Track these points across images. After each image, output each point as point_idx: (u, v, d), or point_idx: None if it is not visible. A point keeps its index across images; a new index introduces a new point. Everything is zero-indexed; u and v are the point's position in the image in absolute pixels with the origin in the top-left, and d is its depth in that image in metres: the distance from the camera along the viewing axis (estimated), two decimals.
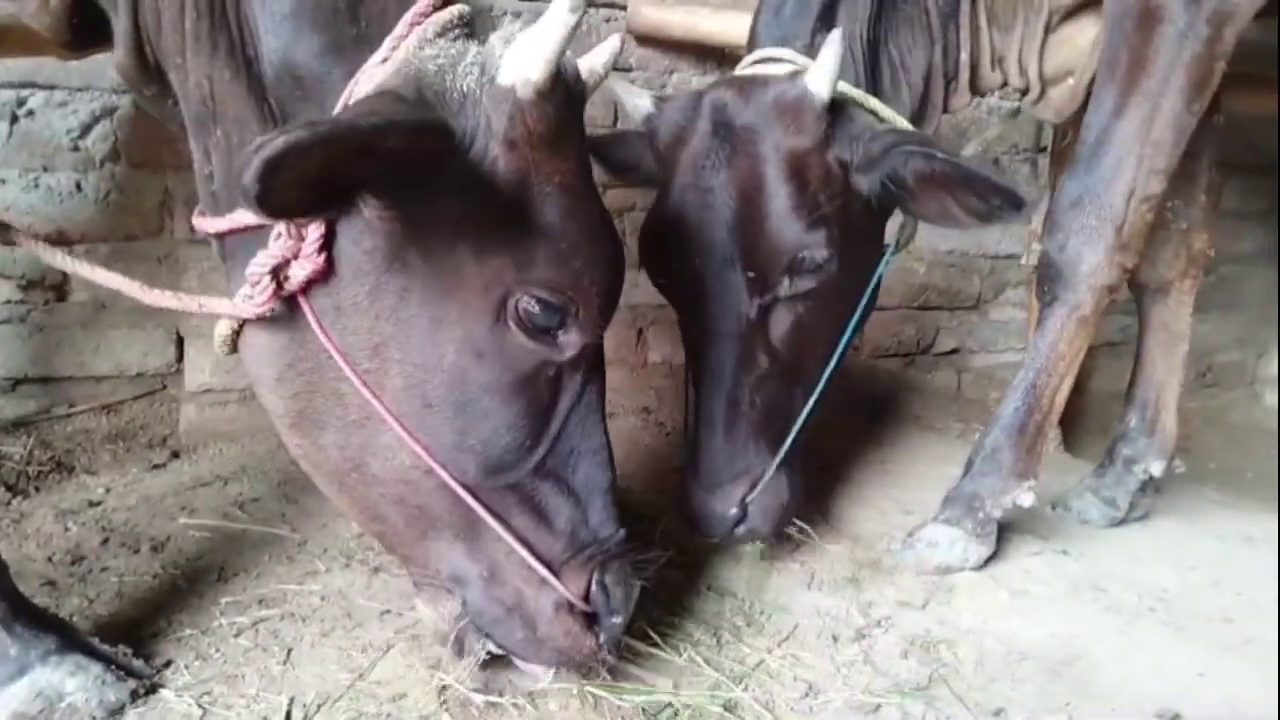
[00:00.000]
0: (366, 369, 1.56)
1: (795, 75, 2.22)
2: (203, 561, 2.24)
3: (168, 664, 1.83)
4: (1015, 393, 2.44)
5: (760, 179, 2.17)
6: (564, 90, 1.50)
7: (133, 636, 1.90)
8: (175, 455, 2.87)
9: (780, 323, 2.23)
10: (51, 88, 2.82)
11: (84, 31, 1.75)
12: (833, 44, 2.10)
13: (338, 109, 1.51)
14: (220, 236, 1.64)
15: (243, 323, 1.61)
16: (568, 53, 1.50)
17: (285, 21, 1.55)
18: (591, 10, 3.35)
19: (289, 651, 1.90)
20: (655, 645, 1.97)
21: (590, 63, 1.70)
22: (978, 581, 2.35)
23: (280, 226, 1.50)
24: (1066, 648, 2.09)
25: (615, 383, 3.44)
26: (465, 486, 1.60)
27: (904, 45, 2.53)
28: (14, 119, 2.82)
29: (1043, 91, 2.71)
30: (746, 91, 2.24)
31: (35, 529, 2.34)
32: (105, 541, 2.30)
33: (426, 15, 1.56)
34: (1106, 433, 2.99)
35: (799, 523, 2.46)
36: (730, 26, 3.11)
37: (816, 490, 2.89)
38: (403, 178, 1.42)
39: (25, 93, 2.79)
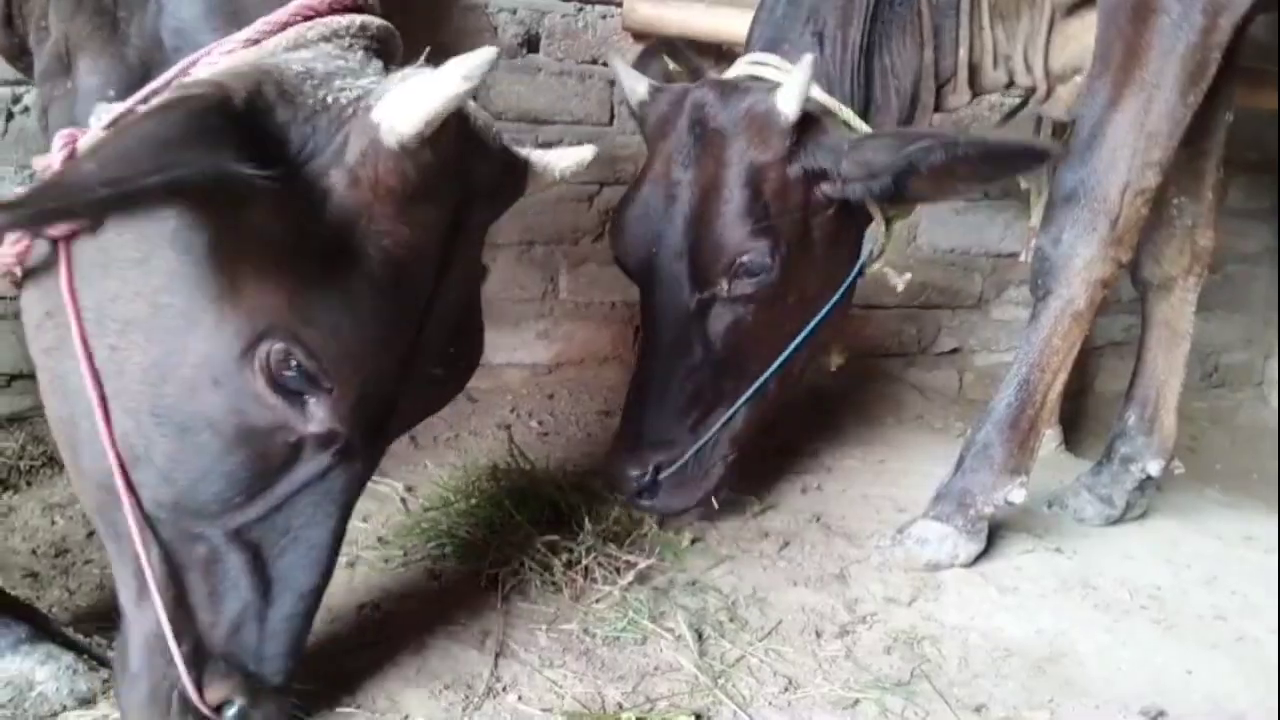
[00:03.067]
0: (112, 345, 1.35)
1: (773, 88, 2.26)
2: None
3: None
4: (1007, 388, 2.41)
5: (718, 182, 2.27)
6: (439, 156, 1.33)
7: (112, 627, 1.91)
8: None
9: (718, 320, 2.33)
10: None
11: None
12: (804, 67, 2.17)
13: (171, 71, 1.35)
14: None
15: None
16: (479, 117, 1.44)
17: None
18: (588, 7, 3.35)
19: None
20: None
21: (553, 159, 1.61)
22: (966, 578, 2.33)
23: (44, 159, 1.33)
24: (1052, 644, 2.07)
25: (610, 380, 3.45)
26: (149, 520, 1.39)
27: (895, 50, 2.52)
28: (9, 116, 2.83)
29: (1050, 89, 2.69)
30: (726, 96, 2.32)
31: (22, 522, 2.34)
32: (90, 534, 2.29)
33: (319, 13, 1.42)
34: (1109, 433, 2.96)
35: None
36: (725, 23, 3.10)
37: (811, 488, 2.88)
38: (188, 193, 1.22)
39: (20, 89, 2.80)
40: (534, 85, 3.31)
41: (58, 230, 1.33)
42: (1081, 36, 2.57)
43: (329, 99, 1.32)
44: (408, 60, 1.47)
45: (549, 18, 3.31)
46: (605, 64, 3.38)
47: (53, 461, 2.68)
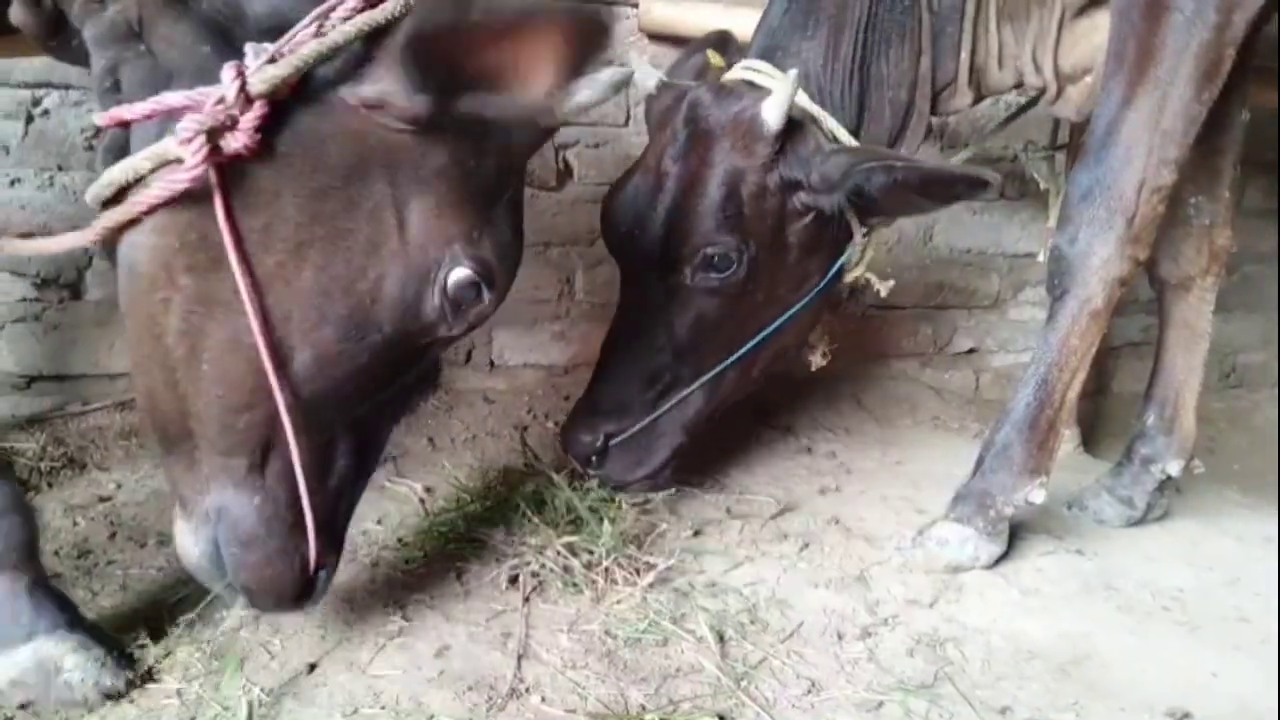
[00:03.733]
0: (278, 259, 1.49)
1: (763, 96, 2.35)
2: None
3: (168, 655, 1.83)
4: (1025, 388, 2.40)
5: (700, 178, 2.38)
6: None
7: (134, 628, 1.92)
8: None
9: (681, 307, 2.46)
10: (66, 87, 2.85)
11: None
12: (790, 81, 2.27)
13: (305, 23, 1.45)
14: (125, 124, 1.50)
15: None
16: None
17: None
18: (604, 8, 3.34)
19: (292, 645, 1.90)
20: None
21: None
22: (988, 580, 2.32)
23: (214, 90, 1.41)
24: (1076, 647, 2.05)
25: None
26: (288, 408, 1.54)
27: (893, 60, 2.53)
28: (29, 119, 2.85)
29: (1060, 90, 2.68)
30: (720, 99, 2.43)
31: (45, 523, 2.34)
32: (113, 536, 2.31)
33: None
34: (1128, 434, 2.94)
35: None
36: (742, 22, 3.09)
37: (829, 489, 2.87)
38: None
39: (40, 92, 2.82)
40: None
41: (226, 153, 1.41)
42: (1091, 36, 2.56)
43: None
44: None
45: None
46: (622, 65, 3.37)
47: (73, 463, 2.71)
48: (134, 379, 1.64)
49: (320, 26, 1.46)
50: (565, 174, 3.41)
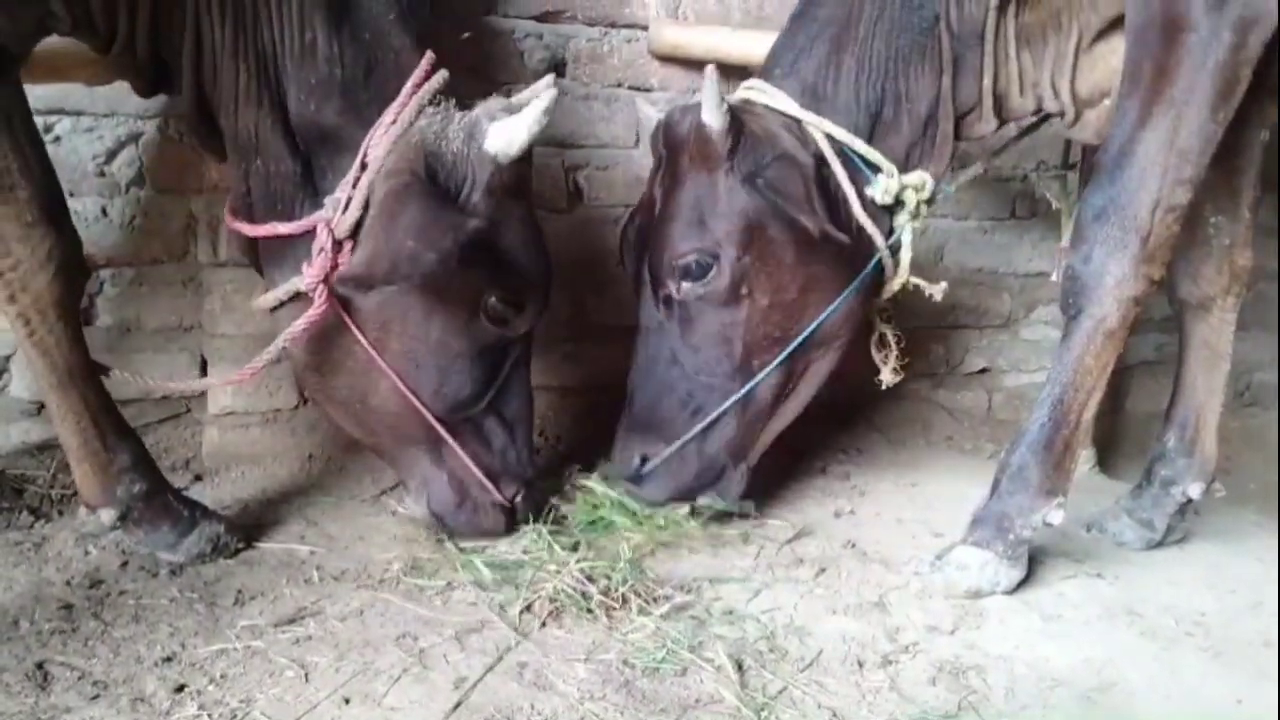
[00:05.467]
0: (375, 336, 2.27)
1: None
2: (220, 585, 2.22)
3: (181, 688, 1.81)
4: (1041, 408, 2.37)
5: (670, 194, 2.53)
6: (527, 154, 2.22)
7: (147, 660, 1.90)
8: (198, 478, 2.87)
9: (682, 322, 2.56)
10: (78, 113, 2.84)
11: (156, 83, 2.23)
12: (709, 81, 2.34)
13: (356, 160, 2.18)
14: (253, 240, 2.31)
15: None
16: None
17: (315, 89, 2.17)
18: (613, 31, 3.35)
19: (306, 676, 1.88)
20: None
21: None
22: (1009, 606, 2.29)
23: (324, 243, 2.17)
24: (1101, 674, 2.03)
25: None
26: (437, 419, 2.33)
27: (912, 75, 2.55)
28: None
29: (1078, 114, 2.67)
30: (682, 115, 2.54)
31: (55, 553, 2.33)
32: (124, 565, 2.29)
33: (420, 85, 2.21)
34: (1143, 454, 2.92)
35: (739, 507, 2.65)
36: (751, 46, 3.09)
37: (844, 512, 2.84)
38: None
39: (52, 118, 2.81)
40: (560, 109, 3.27)
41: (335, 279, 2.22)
42: (1109, 60, 2.55)
43: (454, 149, 2.21)
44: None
45: (574, 42, 3.31)
46: (631, 88, 3.38)
47: None
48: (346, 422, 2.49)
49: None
50: (575, 196, 3.40)
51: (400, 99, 2.20)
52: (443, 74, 2.26)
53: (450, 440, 2.37)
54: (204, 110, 2.23)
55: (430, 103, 2.23)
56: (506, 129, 2.17)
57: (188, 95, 2.19)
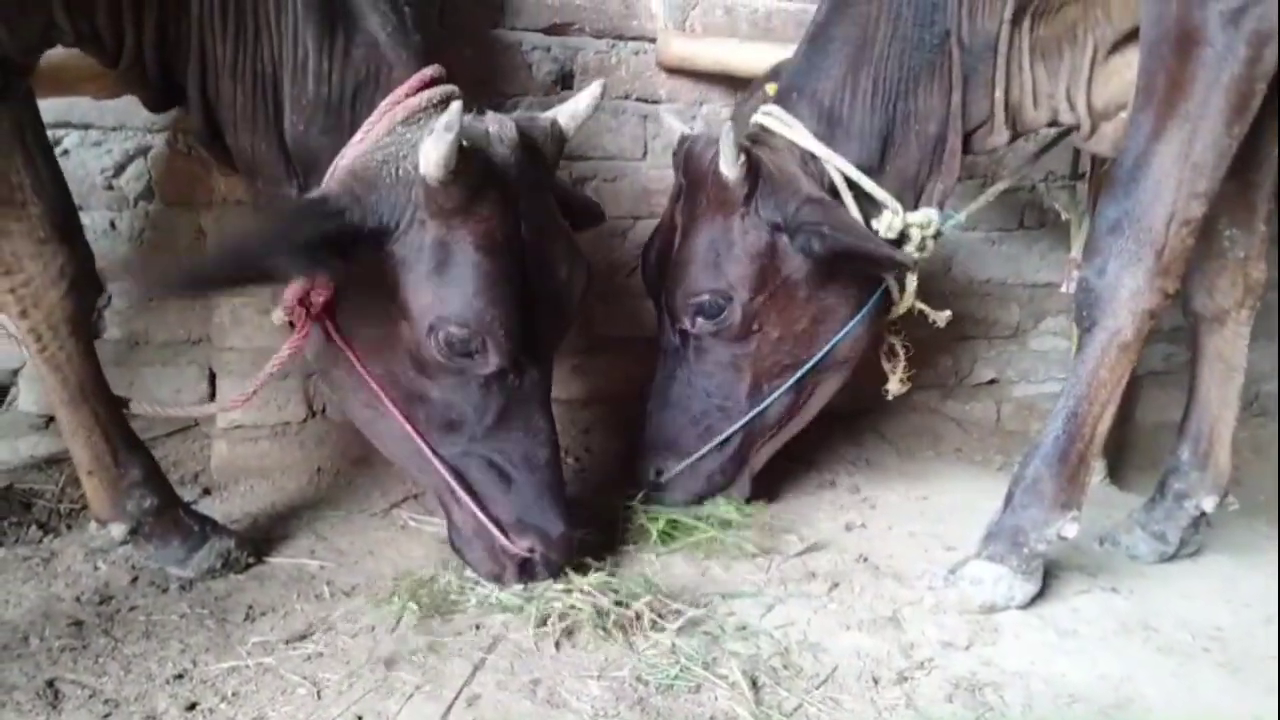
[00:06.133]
0: (371, 365, 2.19)
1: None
2: (231, 600, 2.21)
3: (193, 706, 1.80)
4: (1055, 421, 2.36)
5: (688, 230, 2.58)
6: (469, 172, 1.97)
7: (159, 678, 1.89)
8: (207, 492, 2.86)
9: (697, 352, 2.66)
10: (86, 127, 2.84)
11: (166, 97, 2.20)
12: (726, 134, 2.37)
13: (326, 179, 2.07)
14: None
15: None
16: (498, 130, 2.08)
17: (305, 107, 2.10)
18: (620, 43, 3.35)
19: (318, 693, 1.87)
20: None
21: (572, 108, 2.29)
22: (1024, 621, 2.27)
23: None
24: (1118, 690, 2.01)
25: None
26: (436, 452, 2.22)
27: (921, 95, 2.57)
28: None
29: (1094, 127, 2.67)
30: (704, 149, 2.57)
31: (65, 568, 2.32)
32: (134, 581, 2.28)
33: (398, 102, 2.09)
34: (1153, 465, 2.91)
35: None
36: (759, 57, 3.09)
37: (855, 525, 2.83)
38: (317, 260, 1.95)
39: (60, 132, 2.81)
40: None
41: (317, 307, 2.15)
42: (1124, 72, 2.55)
43: (400, 171, 2.01)
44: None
45: (582, 54, 3.31)
46: (639, 99, 3.38)
47: None
48: None
49: None
50: None
51: (373, 116, 2.09)
52: (439, 90, 2.13)
53: (441, 469, 2.22)
54: (214, 128, 2.20)
55: (410, 120, 2.09)
56: (428, 148, 1.92)
57: (196, 113, 2.17)
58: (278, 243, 1.87)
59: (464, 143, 1.93)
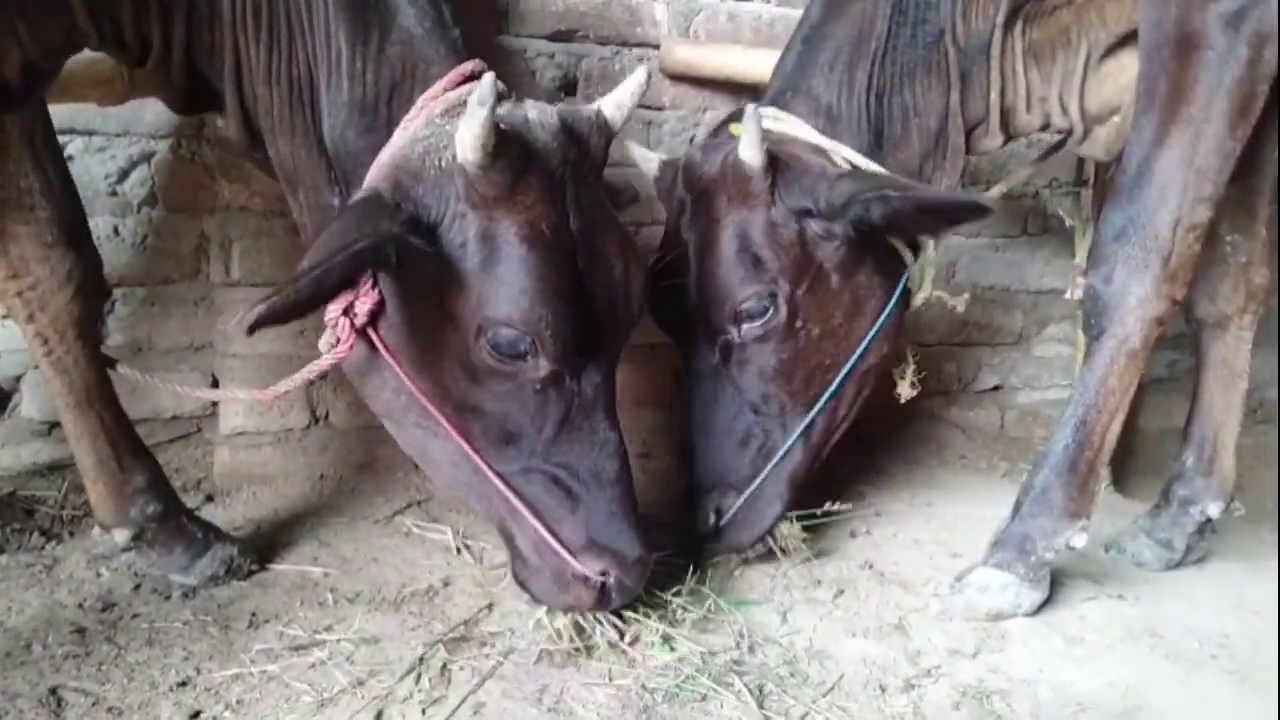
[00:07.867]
0: (421, 379, 2.00)
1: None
2: (234, 607, 2.20)
3: (197, 714, 1.79)
4: (1064, 429, 2.36)
5: (711, 237, 2.42)
6: (509, 156, 1.84)
7: (162, 685, 1.88)
8: (209, 499, 2.85)
9: (741, 365, 2.47)
10: (90, 133, 2.85)
11: (192, 99, 2.13)
12: (750, 119, 2.27)
13: (367, 179, 1.93)
14: None
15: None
16: (551, 111, 1.95)
17: (341, 109, 1.98)
18: (624, 50, 3.35)
19: (322, 701, 1.86)
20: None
21: (616, 98, 2.11)
22: (1031, 628, 2.27)
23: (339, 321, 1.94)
24: (1126, 698, 2.00)
25: (649, 423, 3.40)
26: (495, 470, 2.01)
27: (919, 90, 2.54)
28: None
29: (1087, 131, 2.66)
30: (708, 154, 2.48)
31: (67, 574, 2.32)
32: (137, 588, 2.27)
33: (435, 97, 1.96)
34: (1157, 471, 2.90)
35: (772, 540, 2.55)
36: (763, 64, 3.08)
37: (860, 533, 2.82)
38: (382, 260, 1.82)
39: (64, 138, 2.80)
40: None
41: (361, 318, 1.95)
42: (1118, 77, 2.54)
43: (442, 163, 1.88)
44: None
45: (586, 61, 3.31)
46: (643, 106, 3.37)
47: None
48: None
49: None
50: None
51: (410, 113, 1.96)
52: (482, 82, 1.81)
53: (500, 486, 2.02)
54: (254, 136, 2.10)
55: (449, 113, 1.94)
56: (463, 130, 1.79)
57: (233, 120, 2.07)
58: (354, 248, 1.74)
59: (502, 125, 1.81)
